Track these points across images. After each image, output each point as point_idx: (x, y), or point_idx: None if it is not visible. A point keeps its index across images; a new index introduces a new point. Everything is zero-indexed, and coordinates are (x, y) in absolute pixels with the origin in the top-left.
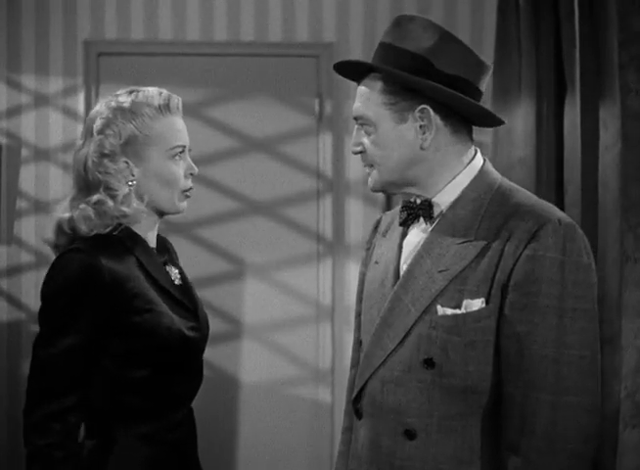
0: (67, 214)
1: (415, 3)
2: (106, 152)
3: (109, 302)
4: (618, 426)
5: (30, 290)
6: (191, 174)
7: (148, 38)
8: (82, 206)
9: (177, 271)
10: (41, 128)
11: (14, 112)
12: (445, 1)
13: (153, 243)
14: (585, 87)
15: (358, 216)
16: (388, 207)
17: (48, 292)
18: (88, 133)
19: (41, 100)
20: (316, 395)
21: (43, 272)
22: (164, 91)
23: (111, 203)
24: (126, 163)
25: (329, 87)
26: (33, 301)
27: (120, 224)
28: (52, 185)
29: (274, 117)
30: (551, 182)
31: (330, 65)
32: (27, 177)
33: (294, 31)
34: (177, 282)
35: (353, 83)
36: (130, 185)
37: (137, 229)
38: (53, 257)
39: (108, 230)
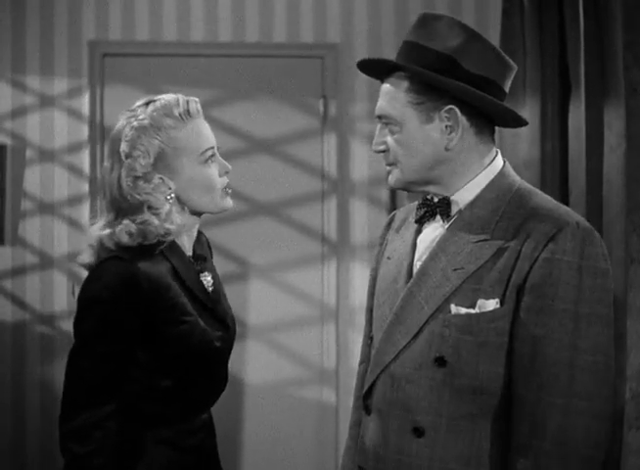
0: (107, 231)
1: (420, 4)
2: (138, 174)
3: (145, 311)
4: (623, 427)
5: (35, 290)
6: (226, 173)
7: (152, 39)
8: (126, 222)
9: (210, 276)
10: (46, 129)
11: (18, 113)
12: (450, 2)
13: (189, 250)
14: (590, 88)
15: (363, 217)
16: (393, 207)
17: (85, 299)
18: (115, 155)
19: (46, 101)
20: (320, 395)
21: (47, 273)
22: (181, 97)
23: (156, 222)
24: (161, 178)
25: (333, 88)
26: (37, 301)
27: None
28: (57, 186)
29: (278, 117)
30: (556, 183)
31: (334, 65)
32: (32, 178)
33: (298, 32)
34: (210, 290)
35: (358, 84)
36: (169, 199)
37: (177, 237)
38: (57, 258)
39: (150, 243)
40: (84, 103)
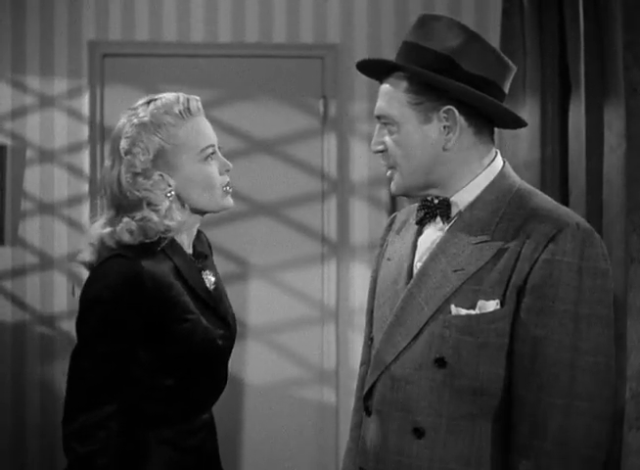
0: (108, 229)
1: (420, 4)
2: (138, 171)
3: (148, 310)
4: (623, 427)
5: (35, 291)
6: (226, 171)
7: (152, 39)
8: (126, 220)
9: (212, 274)
10: (46, 129)
11: (19, 113)
12: (450, 2)
13: (189, 248)
14: (590, 88)
15: (363, 218)
16: (393, 208)
17: (87, 300)
18: (115, 153)
19: (46, 101)
20: (321, 396)
21: (47, 273)
22: (182, 95)
23: (156, 218)
24: (161, 175)
25: (333, 88)
26: (37, 301)
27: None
28: (56, 186)
29: (278, 118)
30: (556, 183)
31: (334, 66)
32: (32, 178)
33: (298, 33)
34: (211, 288)
35: (358, 84)
36: (169, 197)
37: (177, 234)
38: (57, 258)
39: (151, 240)
40: (84, 103)
